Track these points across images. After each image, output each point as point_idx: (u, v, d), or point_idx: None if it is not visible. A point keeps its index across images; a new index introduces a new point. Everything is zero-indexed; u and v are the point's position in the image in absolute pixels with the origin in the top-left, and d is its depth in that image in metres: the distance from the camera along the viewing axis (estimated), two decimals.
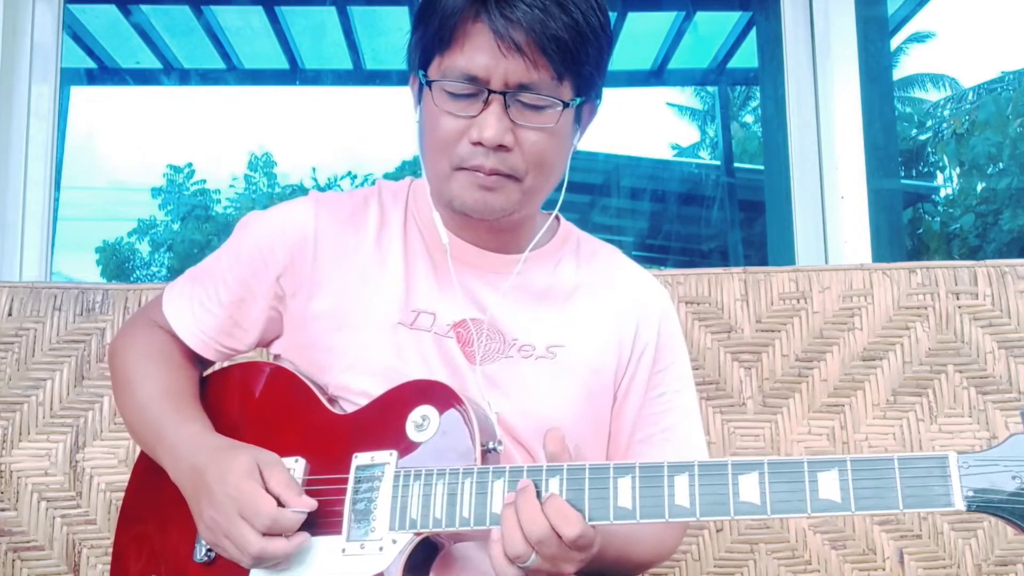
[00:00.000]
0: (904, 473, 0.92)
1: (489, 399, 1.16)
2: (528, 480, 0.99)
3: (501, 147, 1.11)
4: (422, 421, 1.09)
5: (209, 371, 1.32)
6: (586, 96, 1.17)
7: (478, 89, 1.11)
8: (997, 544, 1.73)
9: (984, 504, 0.90)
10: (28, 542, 1.71)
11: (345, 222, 1.25)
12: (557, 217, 1.34)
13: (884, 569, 1.72)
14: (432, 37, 1.12)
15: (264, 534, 1.03)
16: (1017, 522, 0.89)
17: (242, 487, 1.05)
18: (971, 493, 0.90)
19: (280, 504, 1.05)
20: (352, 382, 1.18)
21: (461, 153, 1.13)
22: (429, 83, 1.13)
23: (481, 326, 1.20)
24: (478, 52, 1.09)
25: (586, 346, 1.24)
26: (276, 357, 1.30)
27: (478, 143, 1.11)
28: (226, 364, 1.34)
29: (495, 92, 1.10)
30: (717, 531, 1.74)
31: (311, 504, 1.06)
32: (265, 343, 1.29)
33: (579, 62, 1.12)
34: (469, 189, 1.14)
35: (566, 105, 1.13)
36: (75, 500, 1.73)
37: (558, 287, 1.27)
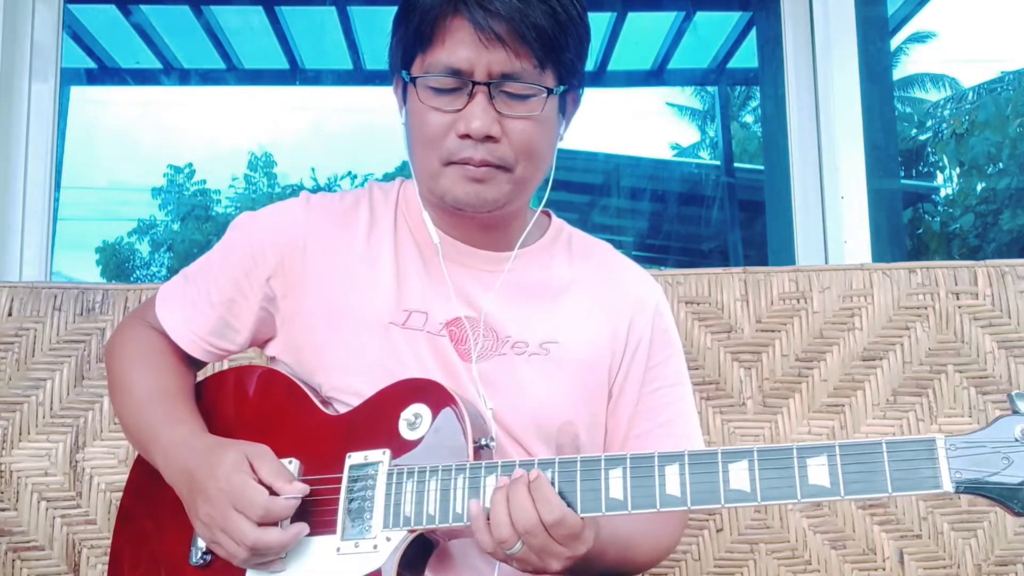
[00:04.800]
0: (892, 457, 0.93)
1: (484, 396, 1.16)
2: (523, 471, 1.00)
3: (489, 138, 1.12)
4: (414, 419, 1.09)
5: (204, 375, 1.33)
6: (568, 84, 1.18)
7: (462, 82, 1.12)
8: (997, 544, 1.73)
9: (973, 485, 0.91)
10: (28, 542, 1.71)
11: (336, 223, 1.25)
12: (548, 214, 1.34)
13: (884, 569, 1.72)
14: (412, 35, 1.14)
15: (259, 524, 1.04)
16: (1005, 502, 0.90)
17: (232, 480, 1.06)
18: (959, 475, 0.91)
19: (273, 494, 1.05)
20: (345, 383, 1.18)
21: (450, 147, 1.14)
22: (413, 80, 1.14)
23: (474, 324, 1.20)
24: (459, 46, 1.11)
25: (580, 342, 1.24)
26: (272, 359, 1.30)
27: (466, 136, 1.12)
28: (222, 368, 1.35)
29: (479, 84, 1.11)
30: (717, 531, 1.74)
31: (303, 489, 1.07)
32: (258, 343, 1.29)
33: (560, 49, 1.13)
34: (460, 182, 1.15)
35: (550, 92, 1.14)
36: (75, 500, 1.73)
37: (551, 283, 1.27)
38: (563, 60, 1.14)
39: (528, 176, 1.18)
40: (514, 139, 1.14)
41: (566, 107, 1.23)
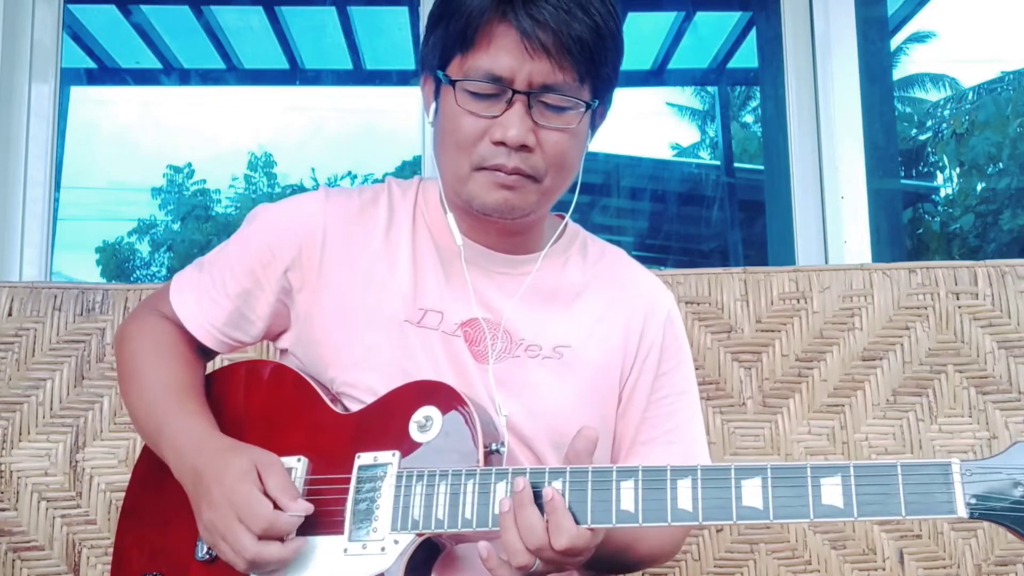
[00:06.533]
0: (907, 480, 0.92)
1: (497, 399, 1.16)
2: (524, 481, 0.99)
3: (523, 147, 1.12)
4: (425, 422, 1.09)
5: (214, 369, 1.32)
6: (602, 98, 1.18)
7: (501, 89, 1.11)
8: (997, 544, 1.73)
9: (986, 512, 0.90)
10: (28, 542, 1.71)
11: (354, 218, 1.25)
12: (562, 217, 1.34)
13: (884, 569, 1.72)
14: (454, 37, 1.12)
15: (261, 537, 1.03)
16: (1019, 530, 0.89)
17: (239, 489, 1.05)
18: (973, 500, 0.90)
19: (277, 507, 1.05)
20: (358, 379, 1.18)
21: (482, 153, 1.13)
22: (452, 83, 1.13)
23: (492, 326, 1.20)
24: (503, 52, 1.10)
25: (592, 346, 1.24)
26: (283, 352, 1.30)
27: (500, 143, 1.12)
28: (231, 362, 1.34)
29: (519, 92, 1.10)
30: (717, 531, 1.74)
31: (307, 508, 1.06)
32: (272, 336, 1.29)
33: (599, 64, 1.13)
34: (489, 189, 1.14)
35: (588, 107, 1.14)
36: (75, 500, 1.73)
37: (565, 287, 1.27)
38: (601, 75, 1.14)
39: (556, 187, 1.19)
40: (547, 150, 1.14)
41: (595, 120, 1.23)
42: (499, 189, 1.14)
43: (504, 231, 1.22)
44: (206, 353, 1.30)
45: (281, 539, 1.05)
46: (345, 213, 1.24)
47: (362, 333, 1.19)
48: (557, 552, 0.97)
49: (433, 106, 1.20)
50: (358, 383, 1.17)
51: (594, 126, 1.24)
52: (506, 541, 0.98)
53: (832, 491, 0.94)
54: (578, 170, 1.22)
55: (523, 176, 1.14)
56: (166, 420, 1.18)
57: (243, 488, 1.05)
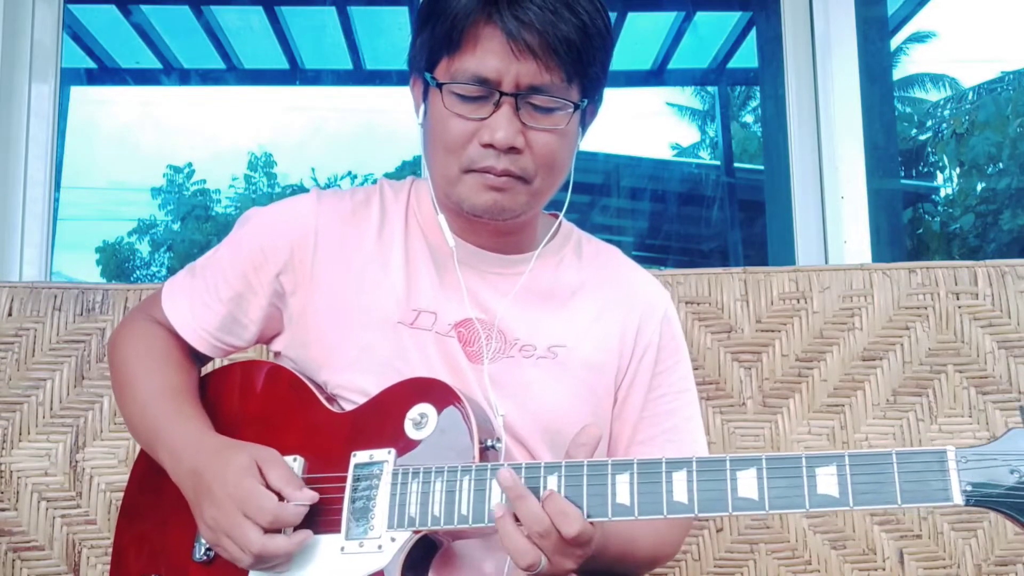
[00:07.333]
0: (902, 468, 0.92)
1: (492, 399, 1.16)
2: (507, 472, 0.98)
3: (512, 149, 1.11)
4: (420, 419, 1.09)
5: (209, 370, 1.32)
6: (591, 98, 1.18)
7: (489, 91, 1.11)
8: (997, 544, 1.73)
9: (982, 499, 0.90)
10: (28, 542, 1.71)
11: (346, 220, 1.24)
12: (556, 216, 1.34)
13: (884, 569, 1.72)
14: (440, 39, 1.12)
15: (267, 530, 1.03)
16: (1015, 516, 0.89)
17: (242, 485, 1.05)
18: (969, 487, 0.90)
19: (281, 499, 1.05)
20: (352, 381, 1.18)
21: (471, 155, 1.13)
22: (439, 85, 1.13)
23: (485, 326, 1.20)
24: (489, 54, 1.09)
25: (587, 346, 1.24)
26: (276, 355, 1.30)
27: (489, 145, 1.11)
28: (226, 363, 1.34)
29: (506, 94, 1.10)
30: (717, 531, 1.74)
31: (312, 496, 1.06)
32: (265, 340, 1.29)
33: (587, 64, 1.13)
34: (479, 191, 1.14)
35: (576, 107, 1.14)
36: (75, 500, 1.73)
37: (560, 287, 1.27)
38: (589, 75, 1.14)
39: (546, 188, 1.18)
40: (536, 151, 1.13)
41: (585, 118, 1.23)
42: (488, 191, 1.14)
43: (496, 231, 1.22)
44: (199, 358, 1.30)
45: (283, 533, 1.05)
46: (337, 214, 1.24)
47: (356, 334, 1.19)
48: (568, 541, 0.97)
49: (422, 108, 1.20)
50: (352, 385, 1.17)
51: (585, 125, 1.23)
52: (509, 542, 0.98)
53: (827, 480, 0.93)
54: (569, 169, 1.21)
55: (513, 178, 1.13)
56: (161, 425, 1.17)
57: (246, 483, 1.05)
